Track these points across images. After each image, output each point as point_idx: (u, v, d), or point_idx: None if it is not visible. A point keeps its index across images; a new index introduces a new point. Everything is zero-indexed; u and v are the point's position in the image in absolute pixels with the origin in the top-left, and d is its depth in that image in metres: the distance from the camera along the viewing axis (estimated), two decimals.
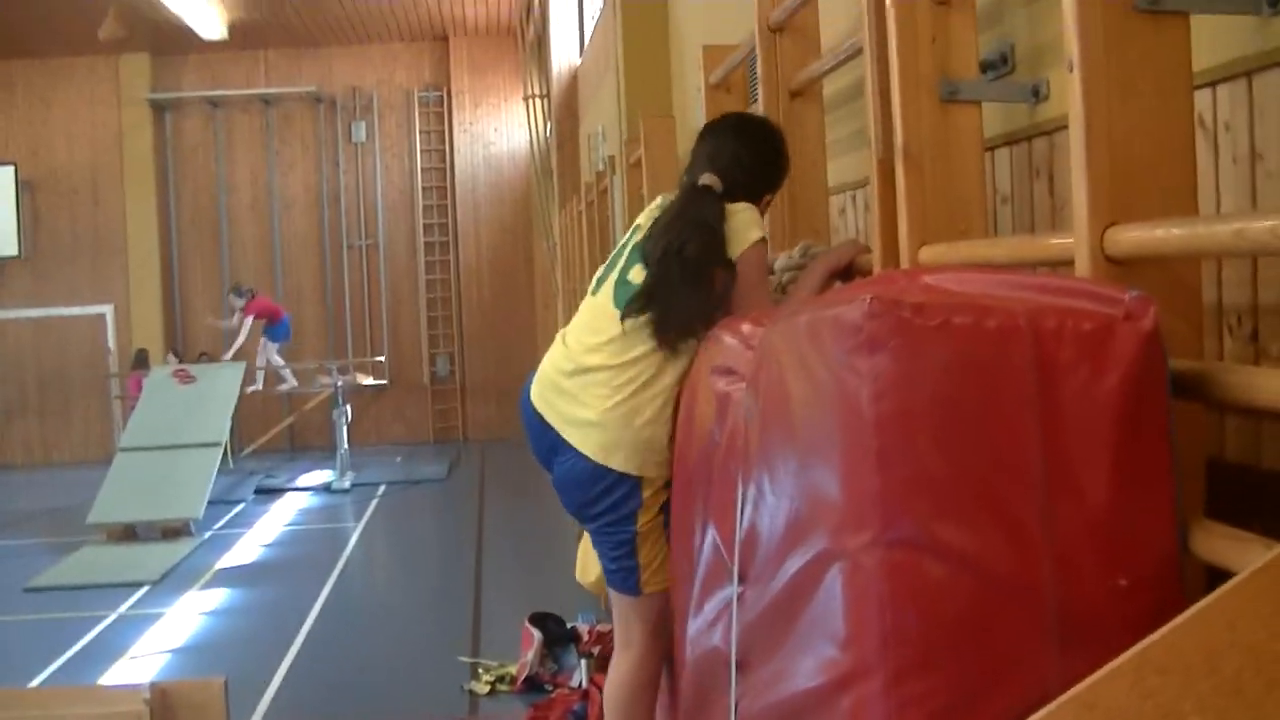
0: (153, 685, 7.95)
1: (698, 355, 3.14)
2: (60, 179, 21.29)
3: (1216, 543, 1.86)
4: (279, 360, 18.36)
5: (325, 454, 19.27)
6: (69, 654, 9.69)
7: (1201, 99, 2.41)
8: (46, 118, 21.30)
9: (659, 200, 3.58)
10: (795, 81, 4.16)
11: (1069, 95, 2.09)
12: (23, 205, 20.56)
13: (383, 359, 20.93)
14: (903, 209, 2.90)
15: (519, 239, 21.62)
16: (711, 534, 2.55)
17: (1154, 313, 1.84)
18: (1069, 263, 2.15)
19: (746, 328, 2.62)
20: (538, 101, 17.65)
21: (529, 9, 17.87)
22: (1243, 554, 1.70)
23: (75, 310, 21.18)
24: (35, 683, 8.96)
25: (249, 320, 17.82)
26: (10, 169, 20.43)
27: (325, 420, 19.08)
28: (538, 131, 17.70)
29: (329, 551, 13.18)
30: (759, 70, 4.26)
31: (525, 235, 21.47)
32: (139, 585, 11.77)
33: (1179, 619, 1.54)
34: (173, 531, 13.94)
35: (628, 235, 3.57)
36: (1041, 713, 1.53)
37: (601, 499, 3.41)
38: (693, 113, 6.83)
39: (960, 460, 1.81)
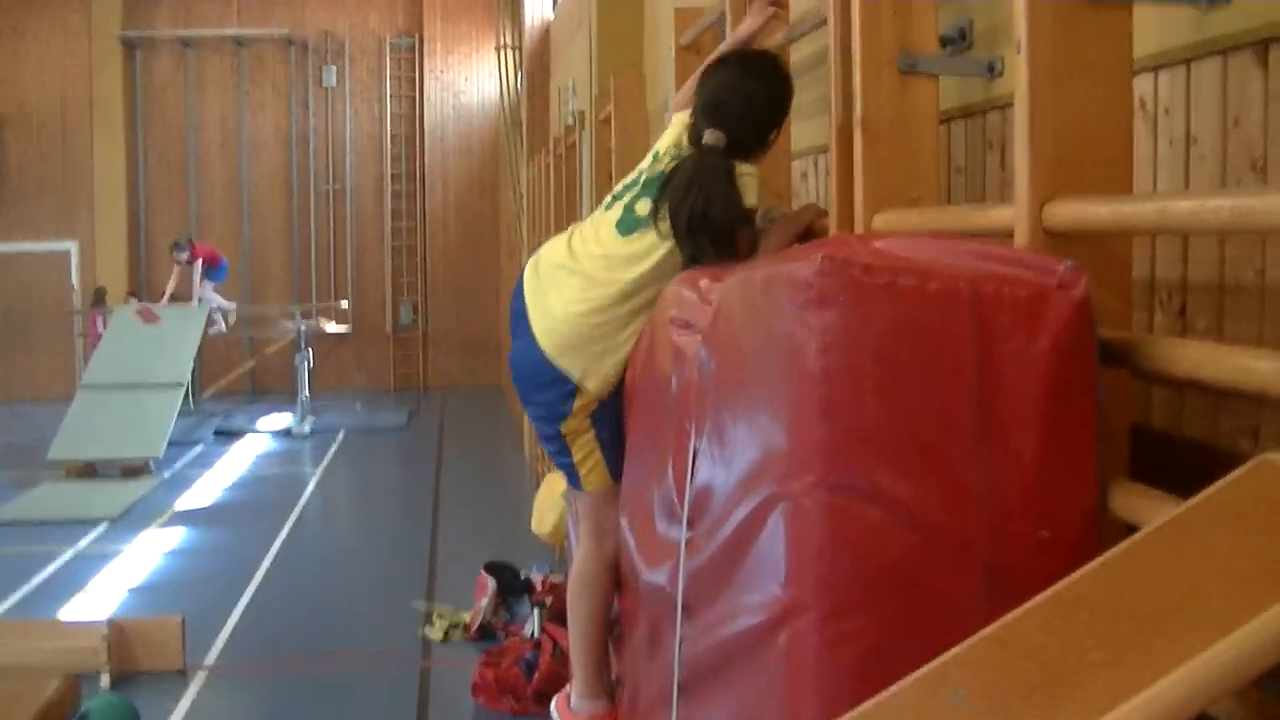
0: (111, 621, 8.09)
1: (657, 307, 3.22)
2: (28, 114, 21.24)
3: (1135, 502, 1.97)
4: (215, 299, 18.25)
5: (286, 398, 19.35)
6: (27, 589, 9.78)
7: (1144, 84, 2.52)
8: (16, 49, 21.22)
9: (676, 130, 3.61)
10: (763, 47, 4.25)
11: (1016, 75, 2.20)
12: None
13: (346, 305, 20.99)
14: (859, 176, 3.00)
15: (486, 190, 21.67)
16: (667, 481, 2.66)
17: (1085, 283, 1.95)
18: (1012, 234, 2.27)
19: (704, 282, 2.72)
20: (509, 52, 17.67)
21: None
22: (1157, 513, 1.82)
23: (40, 246, 21.18)
24: None
25: (199, 264, 17.81)
26: None
27: (287, 365, 19.14)
28: (508, 83, 17.72)
29: (287, 495, 13.28)
30: (728, 34, 4.36)
31: (493, 186, 21.52)
32: (98, 522, 11.87)
33: (1088, 566, 1.67)
34: (133, 470, 14.03)
35: (646, 161, 3.62)
36: (957, 649, 1.65)
37: (541, 390, 3.49)
38: (664, 73, 6.91)
39: (901, 414, 1.92)
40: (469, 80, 21.79)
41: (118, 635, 7.88)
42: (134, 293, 20.11)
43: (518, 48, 16.98)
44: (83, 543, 11.19)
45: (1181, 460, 2.34)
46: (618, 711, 3.59)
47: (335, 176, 22.00)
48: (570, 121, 10.91)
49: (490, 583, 8.76)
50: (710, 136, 3.39)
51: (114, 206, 21.19)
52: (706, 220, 3.30)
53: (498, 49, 18.22)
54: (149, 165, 21.66)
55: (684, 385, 2.62)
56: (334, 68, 21.86)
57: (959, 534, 1.92)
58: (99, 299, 19.43)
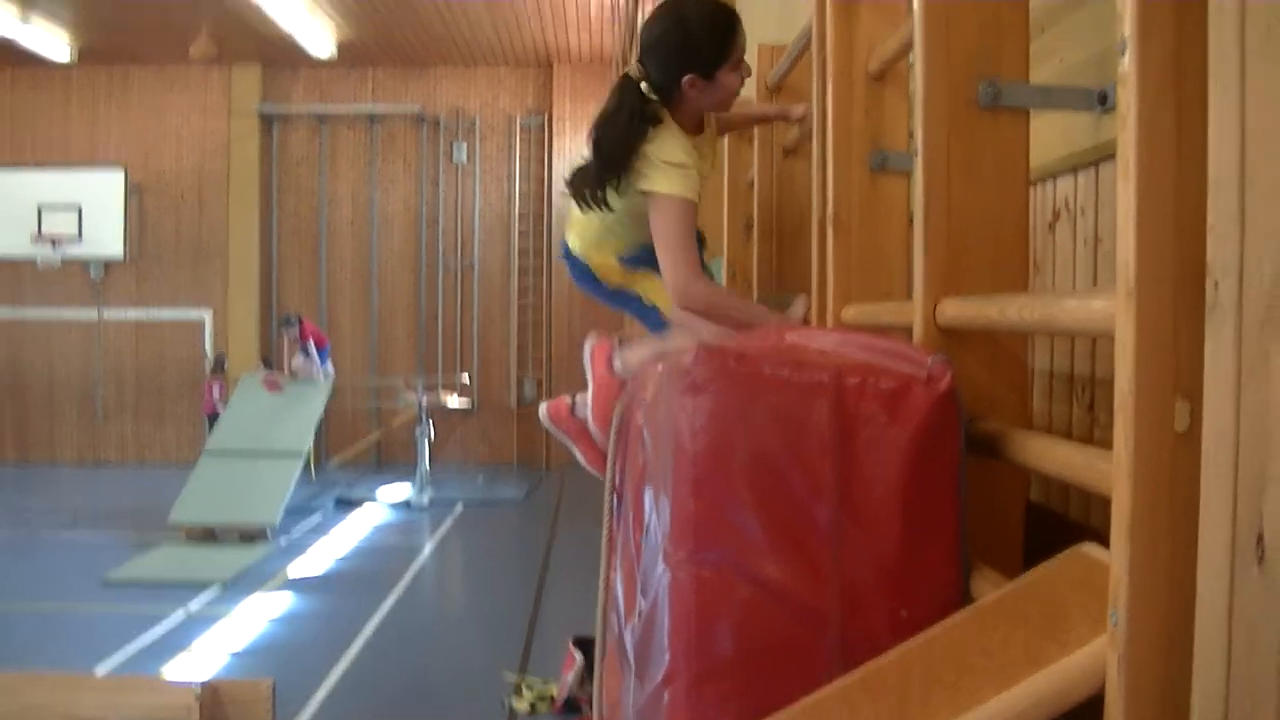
0: (205, 683, 8.31)
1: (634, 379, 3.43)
2: (168, 184, 21.88)
3: (990, 585, 2.10)
4: (304, 364, 18.37)
5: (409, 470, 19.61)
6: (134, 647, 10.05)
7: (1066, 185, 2.65)
8: (159, 123, 21.90)
9: None
10: (788, 139, 4.44)
11: (913, 181, 2.35)
12: (130, 209, 21.22)
13: (469, 379, 21.28)
14: (830, 270, 3.15)
15: None
16: (630, 545, 2.83)
17: (950, 377, 2.09)
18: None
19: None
20: None
21: (631, 39, 18.15)
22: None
23: (175, 313, 21.75)
24: (102, 671, 9.33)
25: (310, 345, 18.14)
26: (121, 172, 21.08)
27: (411, 437, 19.42)
28: None
29: (399, 565, 13.49)
30: (755, 127, 4.56)
31: None
32: (210, 585, 12.15)
33: (917, 636, 1.81)
34: (250, 535, 14.33)
35: None
36: (793, 708, 1.79)
37: (586, 280, 4.21)
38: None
39: (767, 494, 2.07)
40: None
41: (210, 696, 8.06)
42: (265, 360, 20.57)
43: None
44: (193, 605, 11.47)
45: (1070, 539, 2.45)
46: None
47: (463, 252, 22.35)
48: None
49: (577, 656, 8.86)
50: (633, 68, 3.73)
51: (247, 276, 21.75)
52: (600, 143, 3.71)
53: None
54: (281, 237, 22.19)
55: (639, 456, 2.79)
56: (464, 145, 22.24)
57: (818, 610, 2.06)
58: (218, 366, 19.95)
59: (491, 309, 22.40)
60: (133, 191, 21.28)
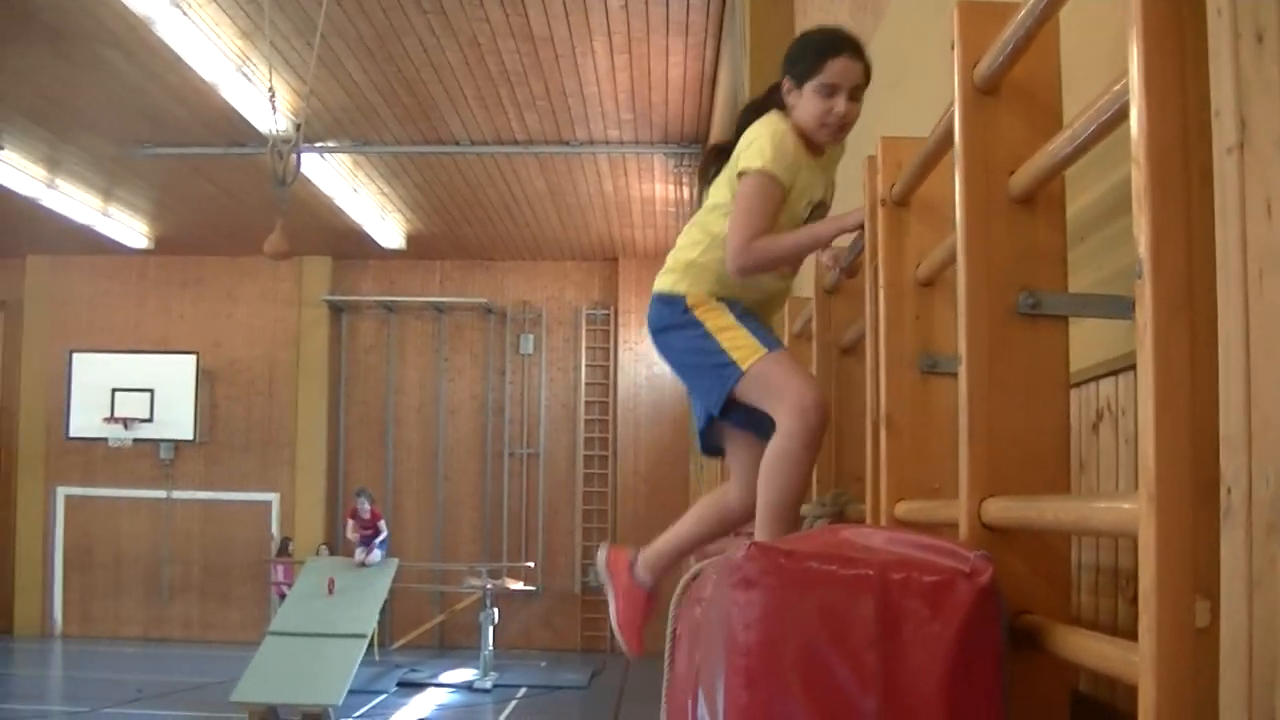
0: None
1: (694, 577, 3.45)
2: (238, 371, 22.34)
3: None
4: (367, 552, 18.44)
5: (472, 653, 19.62)
6: None
7: (1108, 387, 2.76)
8: (231, 311, 22.42)
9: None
10: (844, 339, 4.58)
11: (958, 388, 2.47)
12: (201, 393, 21.62)
13: (533, 565, 21.36)
14: (882, 468, 3.26)
15: (678, 459, 21.93)
16: None
17: (991, 572, 2.18)
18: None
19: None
20: None
21: None
22: None
23: (242, 496, 22.05)
24: None
25: (382, 524, 18.34)
26: (193, 358, 21.50)
27: (475, 620, 19.46)
28: None
29: None
30: (814, 325, 4.70)
31: (683, 455, 21.82)
32: None
33: None
34: (313, 716, 14.36)
35: None
36: None
37: (665, 324, 3.87)
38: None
39: (813, 686, 2.16)
40: None
41: None
42: (328, 545, 20.73)
43: None
44: None
45: None
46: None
47: (528, 441, 22.56)
48: None
49: None
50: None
51: (314, 462, 22.01)
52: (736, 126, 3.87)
53: None
54: (349, 424, 22.49)
55: (692, 650, 2.88)
56: (531, 336, 22.56)
57: None
58: (283, 549, 20.14)
59: (556, 496, 22.52)
60: (204, 377, 21.69)
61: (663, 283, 3.87)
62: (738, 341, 3.66)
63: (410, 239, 20.79)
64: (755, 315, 3.81)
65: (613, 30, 12.41)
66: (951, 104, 2.66)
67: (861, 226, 3.64)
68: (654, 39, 12.66)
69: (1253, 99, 1.38)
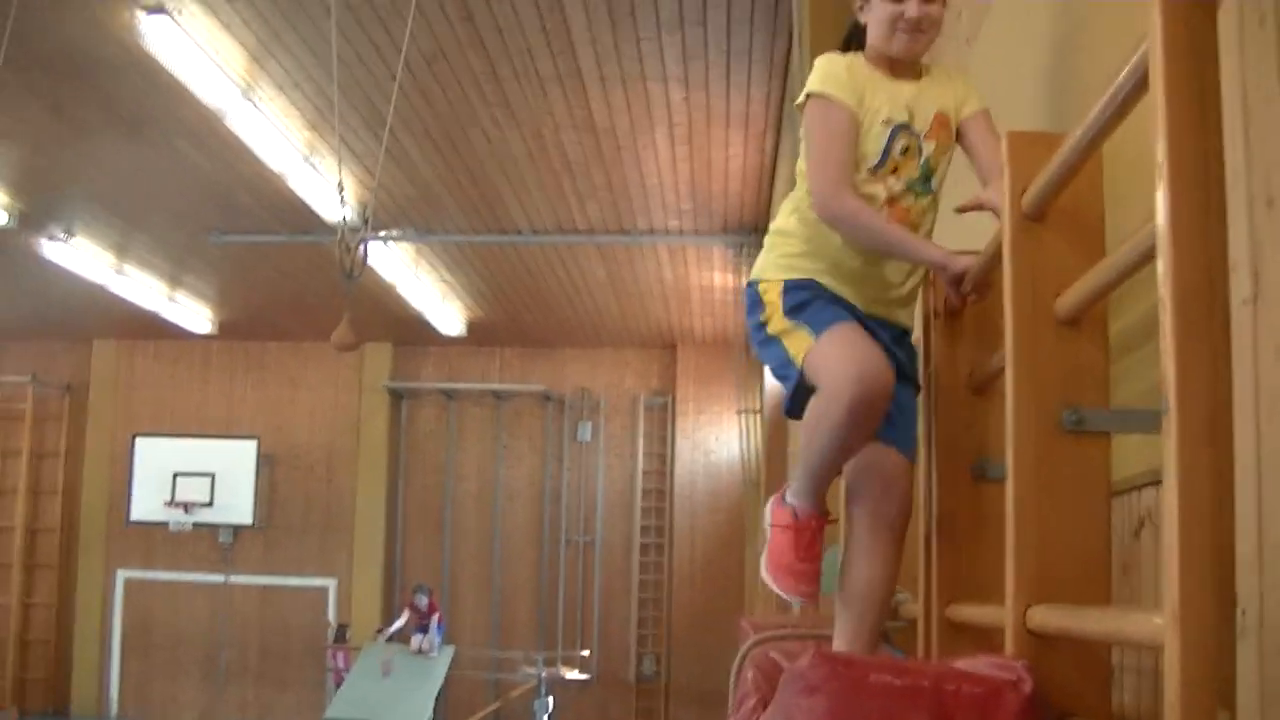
0: None
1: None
2: (299, 455, 22.55)
3: None
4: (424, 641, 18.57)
5: None
6: None
7: (1149, 497, 2.88)
8: (293, 397, 22.67)
9: None
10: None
11: (1005, 498, 2.60)
12: (261, 477, 21.81)
13: (588, 654, 21.39)
14: (934, 573, 3.39)
15: (733, 547, 21.91)
16: None
17: (1033, 682, 2.31)
18: None
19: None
20: (750, 416, 18.29)
21: None
22: None
23: (300, 581, 22.16)
24: None
25: (435, 618, 18.45)
26: (254, 443, 21.73)
27: (529, 709, 19.50)
28: (749, 445, 18.28)
29: None
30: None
31: (739, 543, 21.82)
32: None
33: None
34: None
35: None
36: None
37: (751, 322, 3.63)
38: None
39: None
40: (719, 440, 22.31)
41: None
42: (383, 631, 20.85)
43: (759, 410, 17.59)
44: None
45: None
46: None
47: (585, 529, 22.64)
48: None
49: None
50: None
51: (372, 547, 22.15)
52: None
53: (740, 412, 18.85)
54: (407, 510, 22.63)
55: None
56: (589, 424, 22.68)
57: None
58: (340, 635, 20.27)
59: (613, 585, 22.57)
60: (264, 461, 21.89)
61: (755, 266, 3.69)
62: (793, 340, 3.42)
63: (471, 326, 21.01)
64: (836, 293, 3.50)
65: (674, 122, 12.61)
66: (1001, 228, 2.80)
67: (960, 281, 3.28)
68: (714, 130, 12.86)
69: (1265, 256, 1.52)
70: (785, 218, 3.60)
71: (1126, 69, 2.02)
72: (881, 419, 3.29)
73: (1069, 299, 2.63)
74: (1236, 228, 1.59)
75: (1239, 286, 1.58)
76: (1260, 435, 1.52)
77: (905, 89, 3.44)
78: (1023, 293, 2.69)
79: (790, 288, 3.48)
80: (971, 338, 3.49)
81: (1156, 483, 2.86)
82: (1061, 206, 2.69)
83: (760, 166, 13.83)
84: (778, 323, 3.46)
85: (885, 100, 3.40)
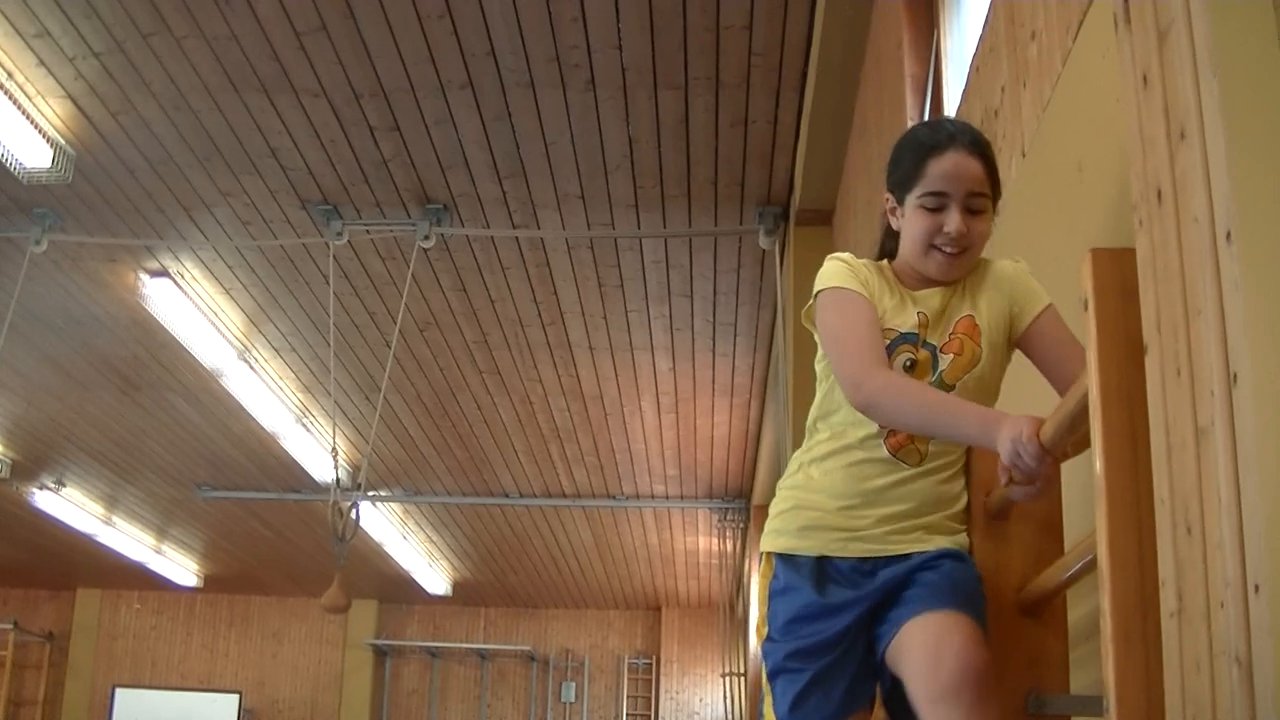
0: None
1: None
2: (281, 711, 22.42)
3: None
4: None
5: None
6: None
7: None
8: (276, 651, 22.63)
9: None
10: None
11: None
12: None
13: None
14: None
15: None
16: None
17: None
18: None
19: None
20: (735, 680, 18.23)
21: (739, 587, 18.64)
22: None
23: None
24: None
25: None
26: (235, 697, 21.64)
27: None
28: (734, 707, 18.18)
29: None
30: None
31: None
32: None
33: None
34: None
35: None
36: None
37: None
38: None
39: None
40: (703, 701, 22.20)
41: None
42: None
43: (743, 674, 17.55)
44: None
45: None
46: None
47: None
48: None
49: None
50: None
51: None
52: None
53: (724, 675, 18.81)
54: None
55: None
56: (573, 684, 22.60)
57: None
58: None
59: None
60: (246, 716, 21.82)
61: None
62: (768, 701, 2.90)
63: (456, 586, 21.08)
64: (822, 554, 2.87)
65: (660, 391, 12.86)
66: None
67: (1011, 474, 2.48)
68: (700, 399, 13.10)
69: (1186, 575, 1.73)
70: (805, 447, 3.01)
71: (1074, 400, 2.23)
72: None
73: (1031, 592, 2.83)
74: (1164, 551, 1.79)
75: (1166, 601, 1.78)
76: None
77: (925, 295, 2.90)
78: (988, 587, 2.87)
79: (774, 593, 2.94)
80: None
81: None
82: (1022, 508, 2.88)
83: (745, 434, 14.06)
84: (762, 608, 2.96)
85: (893, 305, 2.88)
